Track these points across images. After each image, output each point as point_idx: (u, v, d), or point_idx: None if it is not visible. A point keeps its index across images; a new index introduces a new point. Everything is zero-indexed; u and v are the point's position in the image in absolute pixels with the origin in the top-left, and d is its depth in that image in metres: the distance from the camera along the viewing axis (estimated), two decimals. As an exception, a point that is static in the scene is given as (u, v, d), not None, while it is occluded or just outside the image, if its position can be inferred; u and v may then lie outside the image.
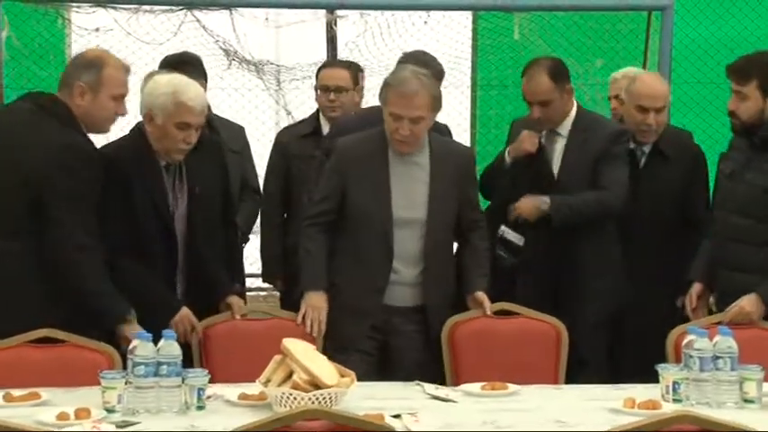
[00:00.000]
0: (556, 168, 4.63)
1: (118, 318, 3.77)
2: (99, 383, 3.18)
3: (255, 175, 5.30)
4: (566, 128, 4.65)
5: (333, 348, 4.00)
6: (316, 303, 4.12)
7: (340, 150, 4.24)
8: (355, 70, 5.28)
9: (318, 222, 4.20)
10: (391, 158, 4.13)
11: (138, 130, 4.02)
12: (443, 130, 4.87)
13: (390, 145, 4.12)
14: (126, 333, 3.70)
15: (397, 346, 4.17)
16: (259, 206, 5.26)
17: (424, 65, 4.49)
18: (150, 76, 4.76)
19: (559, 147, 4.64)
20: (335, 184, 4.17)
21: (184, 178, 4.03)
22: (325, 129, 5.09)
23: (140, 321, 3.77)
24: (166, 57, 5.30)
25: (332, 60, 5.53)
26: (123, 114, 3.95)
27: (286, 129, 5.41)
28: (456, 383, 3.87)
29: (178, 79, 3.99)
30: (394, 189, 4.11)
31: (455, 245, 4.40)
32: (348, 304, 4.13)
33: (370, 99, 7.24)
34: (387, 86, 4.10)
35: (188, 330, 3.95)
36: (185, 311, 3.95)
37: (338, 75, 5.15)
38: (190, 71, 5.00)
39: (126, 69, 3.99)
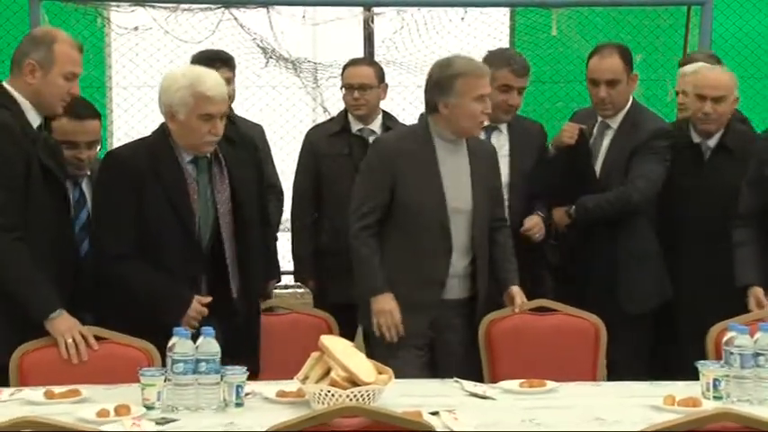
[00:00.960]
0: (599, 162, 4.64)
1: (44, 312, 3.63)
2: (138, 380, 3.20)
3: (276, 174, 5.30)
4: (617, 121, 4.67)
5: (386, 346, 4.01)
6: (385, 307, 4.07)
7: (382, 148, 4.22)
8: (379, 67, 5.28)
9: (369, 225, 4.12)
10: (438, 149, 4.14)
11: (161, 130, 3.90)
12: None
13: (448, 135, 4.12)
14: (52, 329, 3.61)
15: (446, 340, 4.17)
16: (282, 204, 5.25)
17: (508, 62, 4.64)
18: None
19: (607, 141, 4.67)
20: (381, 183, 4.11)
21: (224, 169, 3.91)
22: (354, 127, 5.08)
23: (153, 319, 3.66)
24: (195, 55, 5.33)
25: (356, 58, 5.49)
26: (76, 95, 3.82)
27: (315, 128, 5.40)
28: (493, 381, 3.86)
29: (193, 71, 3.89)
30: (444, 180, 4.12)
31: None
32: (406, 300, 4.08)
33: (407, 96, 7.28)
34: (458, 76, 4.05)
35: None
36: (197, 305, 3.78)
37: (362, 72, 5.14)
38: (218, 67, 5.07)
39: (79, 48, 3.87)
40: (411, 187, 4.10)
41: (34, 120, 3.78)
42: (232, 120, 5.22)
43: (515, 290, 4.21)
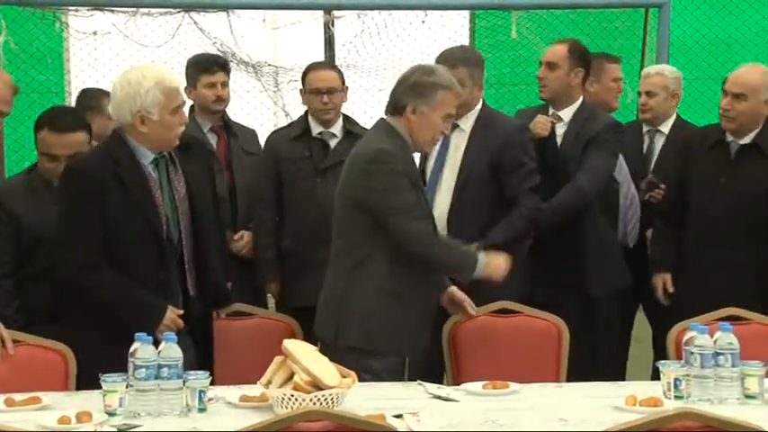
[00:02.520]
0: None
1: None
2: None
3: None
4: (568, 114, 4.81)
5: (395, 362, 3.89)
6: (494, 261, 3.97)
7: (392, 155, 3.89)
8: (339, 71, 5.30)
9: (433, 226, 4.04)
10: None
11: (117, 136, 3.81)
12: None
13: (418, 148, 4.02)
14: None
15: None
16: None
17: (463, 61, 4.57)
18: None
19: (560, 131, 4.80)
20: (409, 186, 3.90)
21: (178, 168, 3.89)
22: (315, 130, 5.07)
23: (128, 329, 3.49)
24: (191, 58, 5.32)
25: (318, 63, 5.47)
26: None
27: (275, 132, 5.37)
28: (457, 383, 3.87)
29: (150, 69, 3.83)
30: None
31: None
32: (424, 313, 3.92)
33: (369, 99, 7.29)
34: (441, 88, 3.92)
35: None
36: (170, 314, 3.73)
37: (328, 76, 5.13)
38: (216, 71, 5.09)
39: (14, 90, 4.00)
40: (415, 195, 3.95)
41: None
42: (226, 122, 5.23)
43: (454, 290, 4.14)
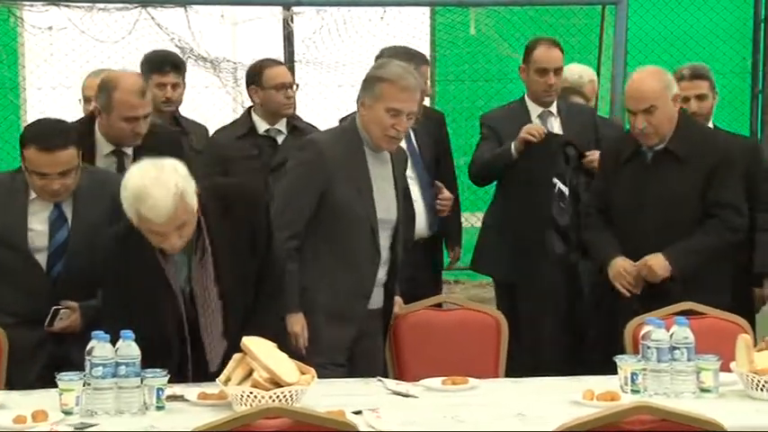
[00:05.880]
0: None
1: None
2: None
3: None
4: (555, 106, 5.13)
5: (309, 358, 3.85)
6: (297, 329, 3.91)
7: (318, 147, 3.98)
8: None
9: (295, 234, 3.91)
10: (368, 157, 3.99)
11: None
12: (440, 120, 5.26)
13: (368, 142, 3.96)
14: None
15: (365, 349, 4.06)
16: None
17: (409, 57, 4.62)
18: (96, 74, 4.78)
19: (558, 124, 5.08)
20: (313, 186, 3.91)
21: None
22: (261, 128, 5.04)
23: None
24: (145, 56, 5.29)
25: (273, 59, 5.44)
26: None
27: (218, 132, 5.31)
28: (398, 377, 3.90)
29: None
30: (374, 189, 3.99)
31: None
32: (332, 311, 3.96)
33: (328, 95, 7.27)
34: (382, 81, 3.88)
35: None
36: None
37: (286, 72, 5.19)
38: (167, 71, 5.05)
39: (141, 92, 4.16)
40: (345, 193, 3.92)
41: None
42: (178, 120, 5.19)
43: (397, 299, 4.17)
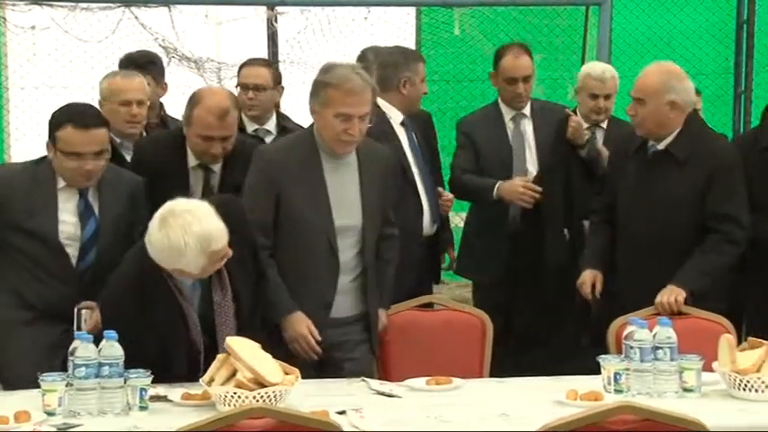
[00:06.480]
0: (533, 147, 5.11)
1: None
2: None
3: None
4: (528, 109, 5.17)
5: None
6: (302, 331, 3.82)
7: (266, 158, 3.90)
8: (276, 69, 5.27)
9: (264, 245, 3.82)
10: (324, 162, 3.87)
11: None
12: (428, 119, 5.19)
13: (324, 147, 3.88)
14: None
15: (335, 360, 3.92)
16: None
17: (404, 56, 4.70)
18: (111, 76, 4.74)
19: (530, 128, 5.11)
20: (266, 197, 3.84)
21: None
22: (249, 128, 5.00)
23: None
24: (123, 57, 5.25)
25: (253, 59, 5.42)
26: None
27: None
28: (383, 377, 3.90)
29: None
30: (331, 196, 3.87)
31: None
32: None
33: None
34: (328, 86, 3.80)
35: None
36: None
37: (257, 73, 5.11)
38: (150, 69, 5.01)
39: (220, 115, 4.13)
40: (296, 202, 3.83)
41: None
42: (164, 121, 5.16)
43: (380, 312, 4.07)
